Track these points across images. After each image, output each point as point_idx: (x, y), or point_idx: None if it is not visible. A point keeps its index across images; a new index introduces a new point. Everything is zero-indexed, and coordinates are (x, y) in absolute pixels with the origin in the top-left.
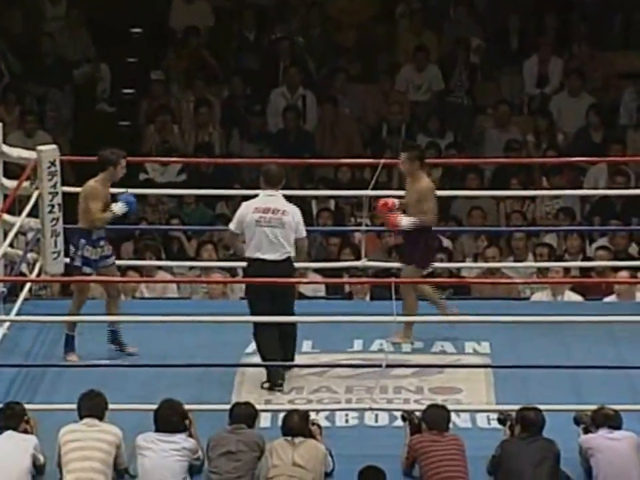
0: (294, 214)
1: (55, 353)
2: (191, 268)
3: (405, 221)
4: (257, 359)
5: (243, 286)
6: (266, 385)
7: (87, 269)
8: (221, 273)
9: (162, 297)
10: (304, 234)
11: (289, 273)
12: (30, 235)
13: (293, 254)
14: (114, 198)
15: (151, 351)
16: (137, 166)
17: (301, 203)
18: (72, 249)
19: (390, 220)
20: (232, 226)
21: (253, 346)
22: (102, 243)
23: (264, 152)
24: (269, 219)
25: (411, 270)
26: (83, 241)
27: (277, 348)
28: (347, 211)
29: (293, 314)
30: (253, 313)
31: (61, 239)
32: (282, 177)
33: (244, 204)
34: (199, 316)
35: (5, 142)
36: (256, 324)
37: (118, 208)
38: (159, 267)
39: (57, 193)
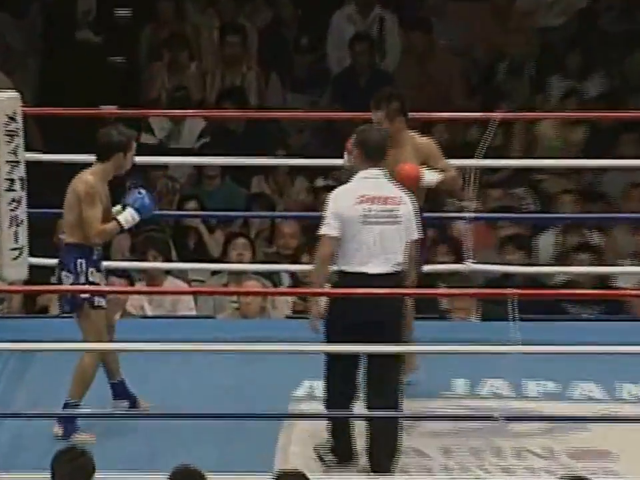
0: (408, 203)
1: (13, 398)
2: (215, 273)
3: (429, 175)
4: (314, 407)
5: (289, 300)
6: (324, 453)
7: (102, 302)
8: (258, 280)
9: (171, 314)
10: (416, 234)
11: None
12: None
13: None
14: (116, 195)
15: (156, 393)
16: (136, 123)
17: None
18: (66, 275)
19: (406, 170)
20: (329, 230)
21: (306, 386)
22: (101, 263)
23: (320, 102)
24: (379, 212)
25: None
26: (81, 261)
27: (352, 396)
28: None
29: (398, 364)
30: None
31: (23, 230)
32: (386, 146)
33: (337, 192)
34: (227, 343)
35: None
36: (330, 360)
37: (126, 217)
38: (167, 272)
39: (17, 163)
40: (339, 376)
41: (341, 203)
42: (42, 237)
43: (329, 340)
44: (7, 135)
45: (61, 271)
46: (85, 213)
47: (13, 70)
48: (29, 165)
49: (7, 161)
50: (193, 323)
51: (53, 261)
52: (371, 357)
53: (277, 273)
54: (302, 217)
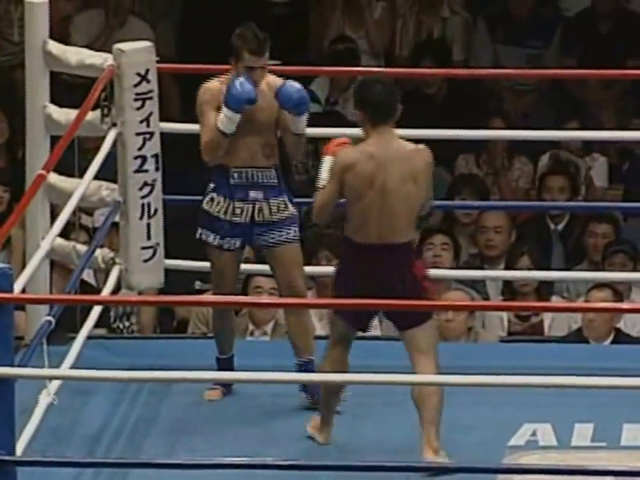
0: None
1: (146, 441)
2: None
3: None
4: (537, 458)
5: (503, 317)
6: None
7: (210, 238)
8: (464, 290)
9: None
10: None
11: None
12: (100, 217)
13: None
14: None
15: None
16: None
17: None
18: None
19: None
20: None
21: (526, 432)
22: (255, 194)
23: (543, 56)
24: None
25: None
26: (211, 185)
27: None
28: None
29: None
30: None
31: (158, 223)
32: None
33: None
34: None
35: (54, 36)
36: None
37: (222, 117)
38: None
39: (150, 136)
40: None
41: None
42: (181, 231)
43: None
44: (138, 99)
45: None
46: (201, 121)
47: (155, 20)
48: (165, 137)
49: (137, 133)
50: (377, 345)
51: (195, 264)
52: None
53: (482, 280)
54: (521, 208)
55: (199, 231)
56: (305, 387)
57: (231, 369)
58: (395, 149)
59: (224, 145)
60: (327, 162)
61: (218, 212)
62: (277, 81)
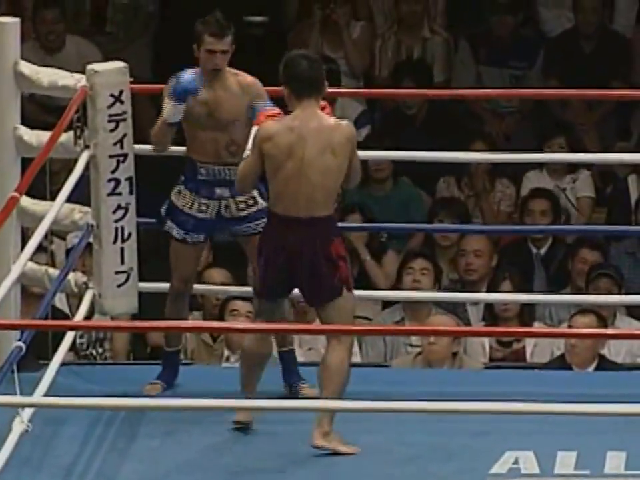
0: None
1: (118, 474)
2: (386, 306)
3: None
4: None
5: (485, 343)
6: None
7: (174, 231)
8: (447, 314)
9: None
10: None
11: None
12: (73, 239)
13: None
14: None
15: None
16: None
17: None
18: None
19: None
20: None
21: (508, 459)
22: (221, 191)
23: (526, 77)
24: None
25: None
26: (182, 177)
27: None
28: None
29: None
30: None
31: (132, 247)
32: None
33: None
34: (407, 401)
35: (24, 56)
36: None
37: (165, 107)
38: None
39: (124, 158)
40: None
41: None
42: (155, 255)
43: None
44: (111, 121)
45: None
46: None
47: (121, 36)
48: (140, 160)
49: (111, 155)
50: (358, 372)
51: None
52: None
53: (463, 304)
54: (503, 232)
55: (167, 222)
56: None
57: (177, 365)
58: (316, 122)
59: (168, 134)
60: (253, 133)
61: (183, 205)
62: (246, 78)
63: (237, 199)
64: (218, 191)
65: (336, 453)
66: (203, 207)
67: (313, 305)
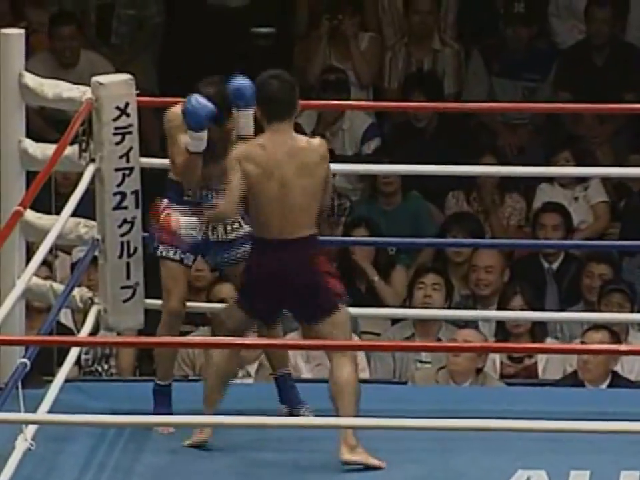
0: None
1: None
2: (395, 322)
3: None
4: None
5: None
6: None
7: (171, 253)
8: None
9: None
10: None
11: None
12: (78, 254)
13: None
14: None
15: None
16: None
17: None
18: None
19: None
20: None
21: (521, 478)
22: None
23: (539, 90)
24: None
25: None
26: (165, 201)
27: None
28: None
29: None
30: None
31: (138, 262)
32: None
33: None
34: (420, 418)
35: (29, 68)
36: None
37: (189, 140)
38: None
39: (130, 171)
40: None
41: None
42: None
43: None
44: (117, 134)
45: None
46: (171, 141)
47: (126, 48)
48: (146, 173)
49: (117, 169)
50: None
51: None
52: None
53: (475, 322)
54: (514, 246)
55: (160, 248)
56: (284, 399)
57: (169, 398)
58: (288, 144)
59: (199, 163)
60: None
61: (175, 227)
62: None
63: (225, 221)
64: (205, 212)
65: (366, 467)
66: (191, 227)
67: (309, 323)
